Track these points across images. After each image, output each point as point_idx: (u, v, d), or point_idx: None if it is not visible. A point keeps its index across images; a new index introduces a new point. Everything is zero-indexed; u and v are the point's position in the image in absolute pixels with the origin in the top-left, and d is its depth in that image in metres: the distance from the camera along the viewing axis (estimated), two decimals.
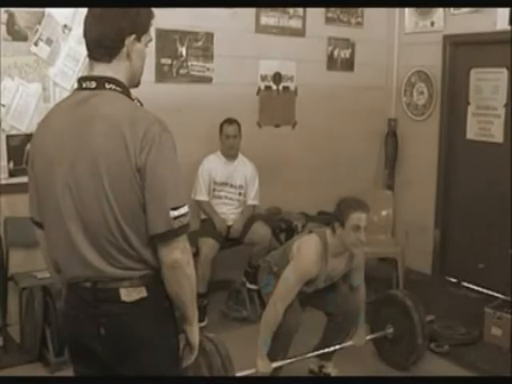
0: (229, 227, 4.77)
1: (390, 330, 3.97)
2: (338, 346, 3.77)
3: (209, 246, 4.57)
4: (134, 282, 1.85)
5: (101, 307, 1.86)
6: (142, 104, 1.92)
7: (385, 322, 4.01)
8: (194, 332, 2.02)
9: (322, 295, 3.69)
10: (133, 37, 1.86)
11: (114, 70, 1.87)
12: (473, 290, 5.38)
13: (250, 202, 4.92)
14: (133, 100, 1.89)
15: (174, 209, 1.80)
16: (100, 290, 1.86)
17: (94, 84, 1.85)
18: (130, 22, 1.85)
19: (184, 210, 1.82)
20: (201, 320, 4.54)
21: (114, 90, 1.85)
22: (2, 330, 4.09)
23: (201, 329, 4.54)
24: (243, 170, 4.93)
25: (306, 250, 3.47)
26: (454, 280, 5.59)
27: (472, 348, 4.27)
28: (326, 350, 3.77)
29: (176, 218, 1.80)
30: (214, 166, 4.83)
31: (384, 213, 5.56)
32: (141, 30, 1.89)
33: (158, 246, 1.82)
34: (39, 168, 1.89)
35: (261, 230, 4.75)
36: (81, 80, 1.88)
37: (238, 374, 3.34)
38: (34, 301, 3.89)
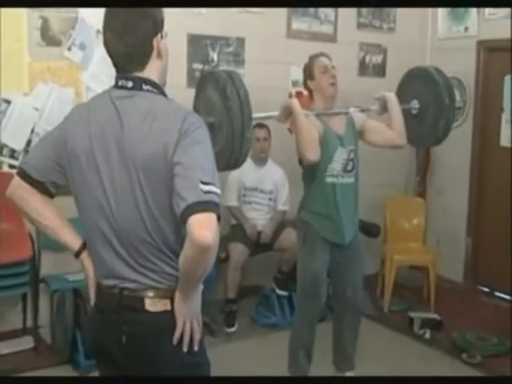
0: (259, 233, 4.76)
1: (415, 105, 3.73)
2: None
3: (239, 251, 4.56)
4: (159, 293, 1.83)
5: (125, 314, 1.85)
6: None
7: (410, 98, 3.75)
8: (181, 305, 1.82)
9: (341, 274, 3.63)
10: (159, 35, 1.85)
11: (148, 74, 1.86)
12: (505, 299, 5.28)
13: (280, 207, 4.91)
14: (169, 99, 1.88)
15: (205, 183, 1.67)
16: (126, 297, 1.84)
17: (130, 83, 1.83)
18: (152, 21, 1.83)
19: (216, 189, 1.69)
20: (231, 325, 4.55)
21: (151, 91, 1.84)
22: (34, 332, 4.12)
23: (231, 334, 4.61)
24: (273, 175, 4.92)
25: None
26: (486, 289, 5.50)
27: (505, 359, 4.17)
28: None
29: (206, 192, 1.66)
30: (243, 171, 4.81)
31: (415, 220, 5.51)
32: (161, 26, 1.87)
33: (188, 220, 1.63)
34: (75, 158, 1.85)
35: (291, 236, 4.70)
36: (117, 78, 1.87)
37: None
38: (65, 303, 3.93)
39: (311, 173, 3.47)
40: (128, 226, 1.80)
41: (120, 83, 1.85)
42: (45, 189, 1.92)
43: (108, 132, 1.80)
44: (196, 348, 1.86)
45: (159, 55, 1.87)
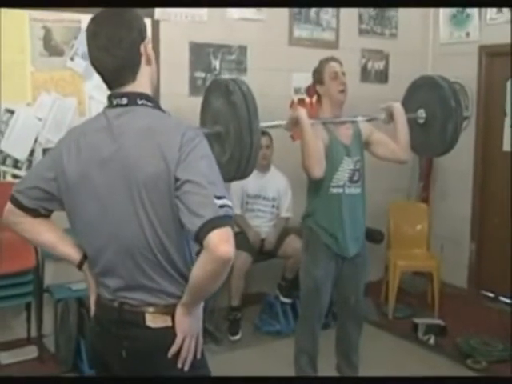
0: (262, 240, 4.76)
1: (422, 115, 3.71)
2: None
3: (242, 259, 4.55)
4: (159, 308, 1.82)
5: (125, 329, 1.84)
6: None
7: (416, 108, 3.74)
8: (182, 319, 1.82)
9: (345, 282, 3.59)
10: (145, 41, 1.84)
11: (140, 84, 1.85)
12: (510, 304, 5.26)
13: (284, 214, 4.91)
14: (165, 113, 1.87)
15: (218, 198, 1.68)
16: (126, 311, 1.84)
17: (125, 100, 1.82)
18: (137, 29, 1.82)
19: (228, 201, 1.70)
20: (235, 333, 4.55)
21: (146, 105, 1.83)
22: (38, 341, 4.13)
23: (235, 342, 4.58)
24: (276, 182, 4.92)
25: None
26: (490, 294, 5.49)
27: (510, 365, 4.15)
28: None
29: (221, 206, 1.67)
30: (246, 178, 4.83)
31: (419, 226, 5.50)
32: (145, 31, 1.86)
33: (207, 236, 1.64)
34: (70, 184, 1.84)
35: (294, 243, 4.71)
36: (111, 97, 1.85)
37: None
38: (69, 312, 3.95)
39: (316, 183, 3.43)
40: (131, 244, 1.79)
41: (115, 102, 1.83)
42: (38, 214, 1.92)
43: (105, 153, 1.79)
44: (186, 368, 1.84)
45: (148, 61, 1.86)
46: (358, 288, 3.63)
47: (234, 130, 2.58)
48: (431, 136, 3.69)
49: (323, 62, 3.58)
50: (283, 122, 3.38)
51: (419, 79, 3.86)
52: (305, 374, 3.63)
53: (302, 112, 3.35)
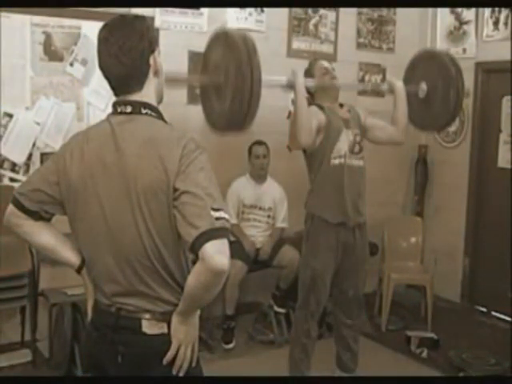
0: (257, 250, 4.77)
1: (423, 88, 3.75)
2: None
3: (237, 268, 4.55)
4: (156, 315, 1.83)
5: (121, 334, 1.85)
6: None
7: (417, 82, 3.78)
8: (178, 328, 1.83)
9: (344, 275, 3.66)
10: (155, 52, 1.86)
11: (146, 94, 1.86)
12: (502, 319, 5.28)
13: (279, 224, 4.92)
14: (167, 123, 1.89)
15: (215, 210, 1.70)
16: (123, 317, 1.85)
17: (129, 108, 1.84)
18: (147, 40, 1.84)
19: (225, 214, 1.72)
20: (229, 342, 4.54)
21: (150, 115, 1.84)
22: (32, 345, 4.11)
23: (228, 351, 4.57)
24: (272, 192, 4.94)
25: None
26: (483, 309, 5.51)
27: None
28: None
29: (218, 218, 1.69)
30: (242, 188, 4.85)
31: (413, 239, 5.52)
32: (155, 43, 1.88)
33: (203, 247, 1.66)
34: (72, 189, 1.86)
35: (289, 254, 4.73)
36: (116, 104, 1.87)
37: None
38: (64, 317, 3.92)
39: (317, 156, 3.48)
40: (129, 251, 1.80)
41: (119, 109, 1.85)
42: (39, 217, 1.92)
43: (107, 160, 1.80)
44: (181, 374, 1.85)
45: (156, 73, 1.88)
46: (357, 282, 3.68)
47: (234, 68, 2.64)
48: (434, 108, 3.72)
49: (312, 62, 3.74)
50: (283, 78, 3.44)
51: (417, 54, 3.93)
52: (297, 365, 3.63)
53: (300, 79, 3.40)
